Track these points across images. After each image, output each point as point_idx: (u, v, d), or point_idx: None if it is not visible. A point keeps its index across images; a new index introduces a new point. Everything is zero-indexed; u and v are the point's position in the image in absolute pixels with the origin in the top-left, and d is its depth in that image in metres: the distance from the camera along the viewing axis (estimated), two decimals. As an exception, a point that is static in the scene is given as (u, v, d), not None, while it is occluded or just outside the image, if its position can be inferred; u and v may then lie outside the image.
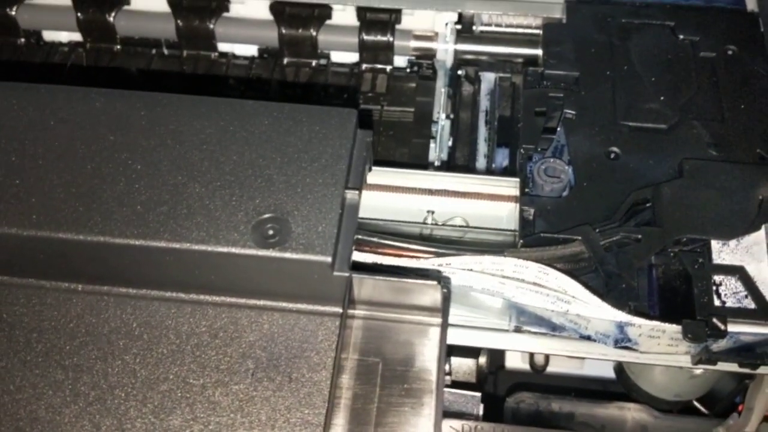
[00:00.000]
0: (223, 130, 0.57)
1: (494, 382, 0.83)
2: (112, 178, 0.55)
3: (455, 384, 0.67)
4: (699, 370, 0.67)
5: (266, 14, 0.84)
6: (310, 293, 0.54)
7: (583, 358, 0.79)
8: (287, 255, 0.52)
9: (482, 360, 0.72)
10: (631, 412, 0.72)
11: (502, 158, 0.78)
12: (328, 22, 0.83)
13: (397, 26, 0.82)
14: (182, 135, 0.57)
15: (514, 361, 0.84)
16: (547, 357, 0.81)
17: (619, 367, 0.75)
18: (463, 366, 0.71)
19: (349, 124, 0.58)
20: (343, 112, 0.58)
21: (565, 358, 0.82)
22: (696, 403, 0.75)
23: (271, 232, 0.53)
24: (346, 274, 0.53)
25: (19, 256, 0.55)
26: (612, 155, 0.64)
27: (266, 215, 0.53)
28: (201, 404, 0.51)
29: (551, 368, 0.82)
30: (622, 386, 0.75)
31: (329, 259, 0.52)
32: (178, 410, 0.51)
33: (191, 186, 0.55)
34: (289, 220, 0.53)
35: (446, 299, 0.54)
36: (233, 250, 0.52)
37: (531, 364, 0.82)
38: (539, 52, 0.76)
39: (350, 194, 0.55)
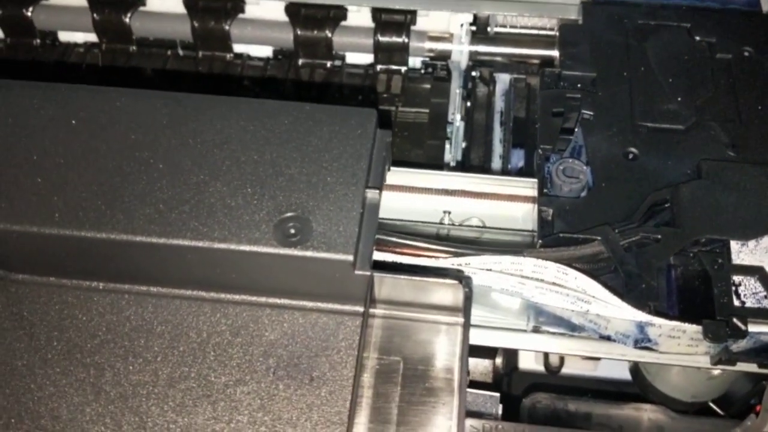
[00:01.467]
0: (244, 129, 0.57)
1: (508, 383, 0.83)
2: (133, 176, 0.55)
3: (472, 384, 0.67)
4: (716, 371, 0.67)
5: (281, 15, 0.84)
6: (332, 292, 0.54)
7: (600, 359, 0.79)
8: (309, 254, 0.52)
9: (498, 361, 0.72)
10: (648, 413, 0.71)
11: (517, 159, 0.78)
12: (343, 23, 0.83)
13: (412, 27, 0.83)
14: (204, 134, 0.57)
15: (529, 363, 0.84)
16: (561, 358, 0.81)
17: (635, 368, 0.75)
18: (479, 366, 0.71)
19: (369, 124, 0.58)
20: (363, 111, 0.59)
21: (580, 359, 0.82)
22: (712, 405, 0.75)
23: (292, 231, 0.53)
24: (368, 273, 0.53)
25: (41, 254, 0.55)
26: (630, 156, 0.64)
27: (288, 214, 0.53)
28: (222, 402, 0.51)
29: (566, 369, 0.82)
30: (638, 387, 0.75)
31: (351, 258, 0.52)
32: (199, 408, 0.51)
33: (213, 185, 0.55)
34: (310, 219, 0.53)
35: (468, 298, 0.54)
36: (255, 248, 0.52)
37: (545, 365, 0.82)
38: (554, 53, 0.76)
39: (371, 193, 0.55)
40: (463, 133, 0.80)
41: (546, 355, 0.81)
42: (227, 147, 0.56)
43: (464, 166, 0.78)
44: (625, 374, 0.79)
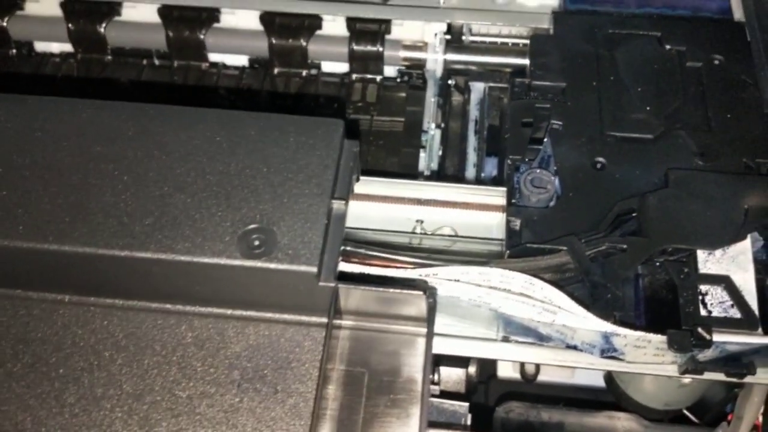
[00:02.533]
0: (209, 140, 0.57)
1: (485, 391, 0.83)
2: (98, 189, 0.55)
3: (444, 394, 0.67)
4: (688, 379, 0.67)
5: (256, 25, 0.84)
6: (296, 304, 0.54)
7: (573, 368, 0.79)
8: (273, 265, 0.52)
9: (472, 370, 0.71)
10: (621, 421, 0.72)
11: (492, 167, 0.78)
12: (318, 32, 0.83)
13: (387, 36, 0.83)
14: (168, 146, 0.57)
15: (505, 371, 0.84)
16: (537, 366, 0.81)
17: (609, 377, 0.75)
18: (452, 376, 0.70)
19: (336, 135, 0.58)
20: (330, 122, 0.59)
21: (556, 367, 0.82)
22: (686, 412, 0.75)
23: (256, 242, 0.53)
24: (332, 285, 0.53)
25: (5, 267, 0.55)
26: (598, 165, 0.65)
27: (252, 226, 0.53)
28: (186, 416, 0.51)
29: (542, 377, 0.82)
30: (612, 395, 0.75)
31: (315, 270, 0.52)
32: (163, 422, 0.51)
33: (177, 197, 0.55)
34: (274, 231, 0.53)
35: (432, 309, 0.54)
36: (219, 260, 0.52)
37: (522, 373, 0.82)
38: (528, 61, 0.76)
39: (336, 204, 0.55)
40: (439, 141, 0.80)
41: (522, 363, 0.81)
42: (192, 158, 0.56)
43: (439, 174, 0.78)
44: (601, 382, 0.79)
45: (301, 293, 0.53)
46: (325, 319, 0.54)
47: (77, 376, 0.53)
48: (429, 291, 0.54)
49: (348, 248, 0.58)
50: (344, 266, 0.57)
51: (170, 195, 0.55)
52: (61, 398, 0.52)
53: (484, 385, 0.84)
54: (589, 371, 0.81)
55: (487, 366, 0.82)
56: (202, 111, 0.59)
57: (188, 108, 0.59)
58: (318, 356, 0.52)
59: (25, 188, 0.55)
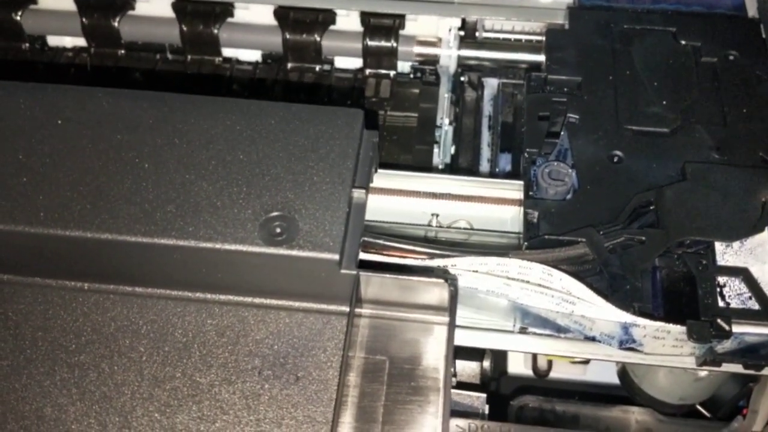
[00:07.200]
0: (230, 129, 0.57)
1: (497, 387, 0.83)
2: (119, 176, 0.55)
3: (460, 385, 0.67)
4: (703, 373, 0.67)
5: (270, 19, 0.84)
6: (317, 291, 0.54)
7: (588, 361, 0.79)
8: (295, 253, 0.52)
9: (486, 364, 0.72)
10: (635, 415, 0.72)
11: (505, 163, 0.78)
12: (332, 27, 0.84)
13: (401, 32, 0.83)
14: (190, 134, 0.57)
15: (517, 367, 0.84)
16: (550, 362, 0.81)
17: (623, 371, 0.75)
18: (467, 369, 0.71)
19: (356, 124, 0.58)
20: (350, 112, 0.59)
21: (568, 363, 0.82)
22: (700, 407, 0.75)
23: (278, 230, 0.53)
24: (354, 272, 0.53)
25: (26, 254, 0.55)
26: (615, 159, 0.65)
27: (274, 213, 0.53)
28: (207, 402, 0.51)
29: (554, 374, 0.82)
30: (625, 390, 0.75)
31: (337, 257, 0.52)
32: (184, 408, 0.51)
33: (199, 184, 0.55)
34: (296, 218, 0.53)
35: (453, 297, 0.55)
36: (240, 247, 0.52)
37: (534, 369, 0.82)
38: (542, 57, 0.77)
39: (357, 193, 0.56)
40: (452, 137, 0.80)
41: (534, 359, 0.81)
42: (213, 146, 0.57)
43: (453, 169, 0.79)
44: (613, 378, 0.79)
45: (323, 281, 0.53)
46: (346, 308, 0.54)
47: (97, 363, 0.53)
48: (450, 279, 0.54)
49: (366, 239, 0.58)
50: (363, 256, 0.57)
51: (192, 182, 0.55)
52: (81, 385, 0.52)
53: (496, 382, 0.84)
54: (600, 368, 0.82)
55: (498, 362, 0.82)
56: (223, 100, 0.59)
57: (209, 97, 0.60)
58: (339, 344, 0.52)
59: (46, 175, 0.55)
